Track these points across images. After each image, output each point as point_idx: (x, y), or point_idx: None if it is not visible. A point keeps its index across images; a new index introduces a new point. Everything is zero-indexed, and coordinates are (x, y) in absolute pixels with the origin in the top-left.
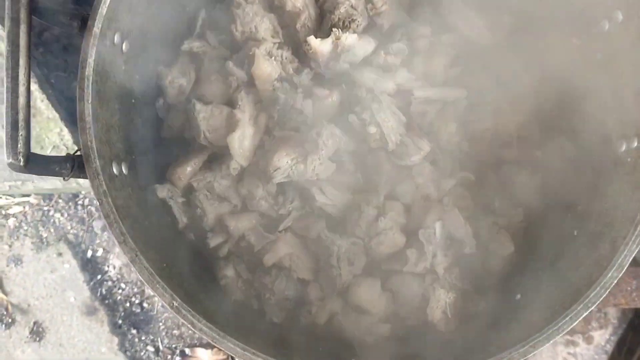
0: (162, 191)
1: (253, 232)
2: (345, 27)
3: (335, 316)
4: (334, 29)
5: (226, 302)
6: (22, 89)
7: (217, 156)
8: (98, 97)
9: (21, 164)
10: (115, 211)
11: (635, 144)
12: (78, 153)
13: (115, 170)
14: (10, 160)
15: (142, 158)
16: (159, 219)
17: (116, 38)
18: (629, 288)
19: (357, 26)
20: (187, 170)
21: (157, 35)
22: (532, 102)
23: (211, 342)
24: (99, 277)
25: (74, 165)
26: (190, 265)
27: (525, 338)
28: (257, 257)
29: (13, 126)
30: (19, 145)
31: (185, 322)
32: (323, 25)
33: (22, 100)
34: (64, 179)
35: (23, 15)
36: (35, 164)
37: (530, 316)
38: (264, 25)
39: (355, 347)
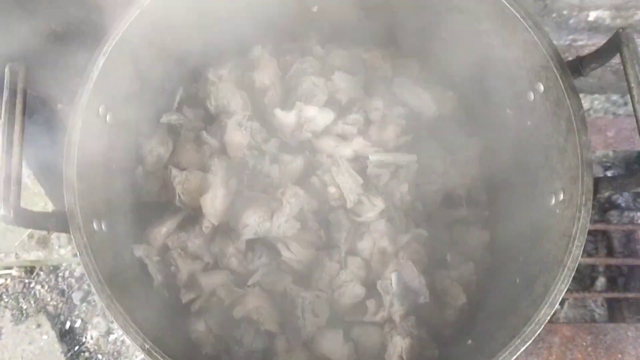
0: (139, 250)
1: (224, 287)
2: (307, 101)
3: None
4: (297, 103)
5: (197, 355)
6: (16, 150)
7: (191, 218)
8: (82, 161)
9: (11, 215)
10: (94, 261)
11: (562, 196)
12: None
13: (95, 227)
14: (2, 212)
15: (121, 218)
16: (134, 276)
17: (101, 110)
18: (584, 343)
19: (318, 100)
20: (162, 231)
21: (138, 110)
22: (477, 167)
23: None
24: (76, 348)
25: (58, 220)
26: (163, 320)
27: None
28: (227, 311)
29: (6, 181)
30: (10, 199)
31: None
32: (288, 100)
33: (15, 159)
34: (48, 232)
35: (20, 86)
36: (24, 217)
37: (479, 357)
38: (235, 100)
39: None
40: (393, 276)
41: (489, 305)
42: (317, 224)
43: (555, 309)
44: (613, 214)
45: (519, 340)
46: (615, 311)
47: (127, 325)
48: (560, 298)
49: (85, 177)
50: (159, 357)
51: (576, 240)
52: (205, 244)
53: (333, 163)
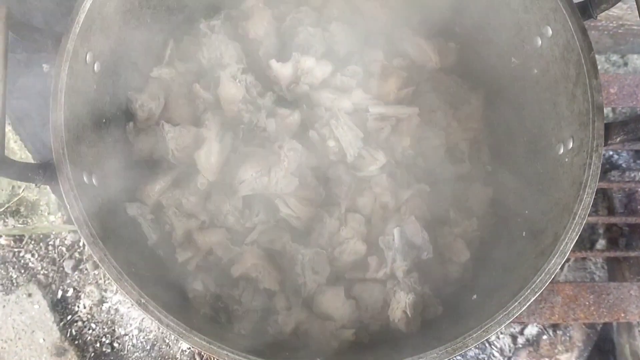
0: (132, 209)
1: (221, 245)
2: (304, 53)
3: (301, 324)
4: (294, 54)
5: (194, 315)
6: None
7: (186, 175)
8: (69, 110)
9: None
10: (84, 213)
11: (571, 144)
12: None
13: (86, 180)
14: None
15: (112, 174)
16: (128, 235)
17: (88, 57)
18: (587, 303)
19: (316, 52)
20: (156, 188)
21: (128, 61)
22: (479, 121)
23: (178, 337)
24: (69, 317)
25: (46, 172)
26: (158, 280)
27: (477, 326)
28: (224, 270)
29: None
30: None
31: (152, 319)
32: (284, 51)
33: None
34: (36, 185)
35: (1, 26)
36: (9, 167)
37: (484, 309)
38: (228, 52)
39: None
40: (395, 232)
41: (494, 260)
42: (315, 180)
43: (565, 258)
44: (614, 175)
45: (529, 290)
46: (615, 272)
47: (122, 279)
48: (571, 247)
49: (74, 127)
50: (155, 311)
51: (587, 187)
52: (200, 201)
53: (332, 116)
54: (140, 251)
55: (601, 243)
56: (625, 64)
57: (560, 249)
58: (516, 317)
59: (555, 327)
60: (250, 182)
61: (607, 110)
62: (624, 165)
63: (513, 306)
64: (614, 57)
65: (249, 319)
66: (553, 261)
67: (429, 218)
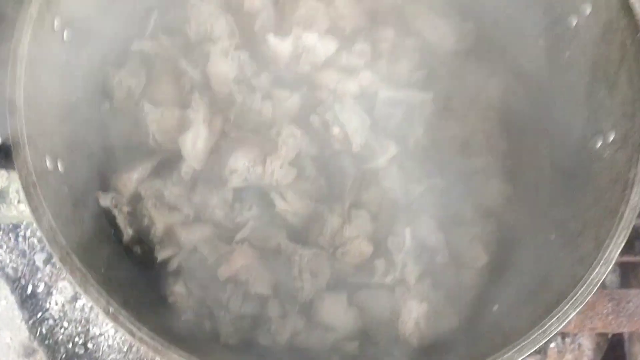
0: (106, 199)
1: (206, 243)
2: (306, 28)
3: (297, 334)
4: (294, 28)
5: (175, 321)
6: None
7: (168, 162)
8: (32, 82)
9: None
10: (44, 204)
11: (612, 137)
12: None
13: (49, 165)
14: None
15: (83, 159)
16: (100, 229)
17: (56, 23)
18: (605, 311)
19: (318, 27)
20: (134, 177)
21: (104, 31)
22: (500, 109)
23: (154, 353)
24: (39, 315)
25: (2, 155)
26: (133, 281)
27: (508, 344)
28: (210, 271)
29: None
30: None
31: (123, 331)
32: (283, 25)
33: None
34: None
35: None
36: None
37: (512, 324)
38: (219, 25)
39: None
40: (407, 232)
41: (517, 266)
42: (316, 170)
43: (610, 266)
44: None
45: (568, 304)
46: (630, 277)
47: (87, 283)
48: (617, 254)
49: (37, 104)
50: (126, 322)
51: (635, 186)
52: (184, 192)
53: (336, 100)
54: (113, 249)
55: None
56: None
57: (605, 256)
58: None
59: (564, 334)
60: (243, 172)
61: None
62: None
63: (550, 322)
64: None
65: (237, 328)
66: (597, 270)
67: (442, 216)
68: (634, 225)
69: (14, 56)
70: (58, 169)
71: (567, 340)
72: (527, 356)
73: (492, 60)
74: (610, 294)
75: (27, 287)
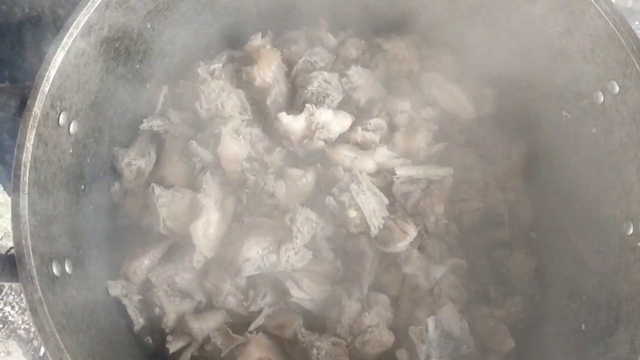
0: (115, 288)
1: (220, 333)
2: (319, 103)
3: None
4: (307, 105)
5: None
6: None
7: (179, 246)
8: (37, 186)
9: None
10: (51, 322)
11: None
12: (12, 252)
13: (55, 271)
14: None
15: (91, 252)
16: (110, 323)
17: (62, 119)
18: None
19: (332, 101)
20: (144, 264)
21: (112, 114)
22: (522, 179)
23: None
24: None
25: (6, 266)
26: None
27: None
28: None
29: None
30: None
31: None
32: (295, 101)
33: None
34: None
35: None
36: None
37: None
38: (231, 101)
39: None
40: (430, 321)
41: (546, 355)
42: (332, 253)
43: None
44: None
45: None
46: None
47: None
48: None
49: (42, 206)
50: None
51: None
52: (196, 279)
53: (352, 179)
54: (124, 341)
55: None
56: None
57: None
58: None
59: None
60: (256, 260)
61: None
62: None
63: None
64: None
65: None
66: None
67: (466, 297)
68: None
69: (17, 163)
70: (66, 272)
71: None
72: None
73: (512, 127)
74: None
75: (39, 349)
